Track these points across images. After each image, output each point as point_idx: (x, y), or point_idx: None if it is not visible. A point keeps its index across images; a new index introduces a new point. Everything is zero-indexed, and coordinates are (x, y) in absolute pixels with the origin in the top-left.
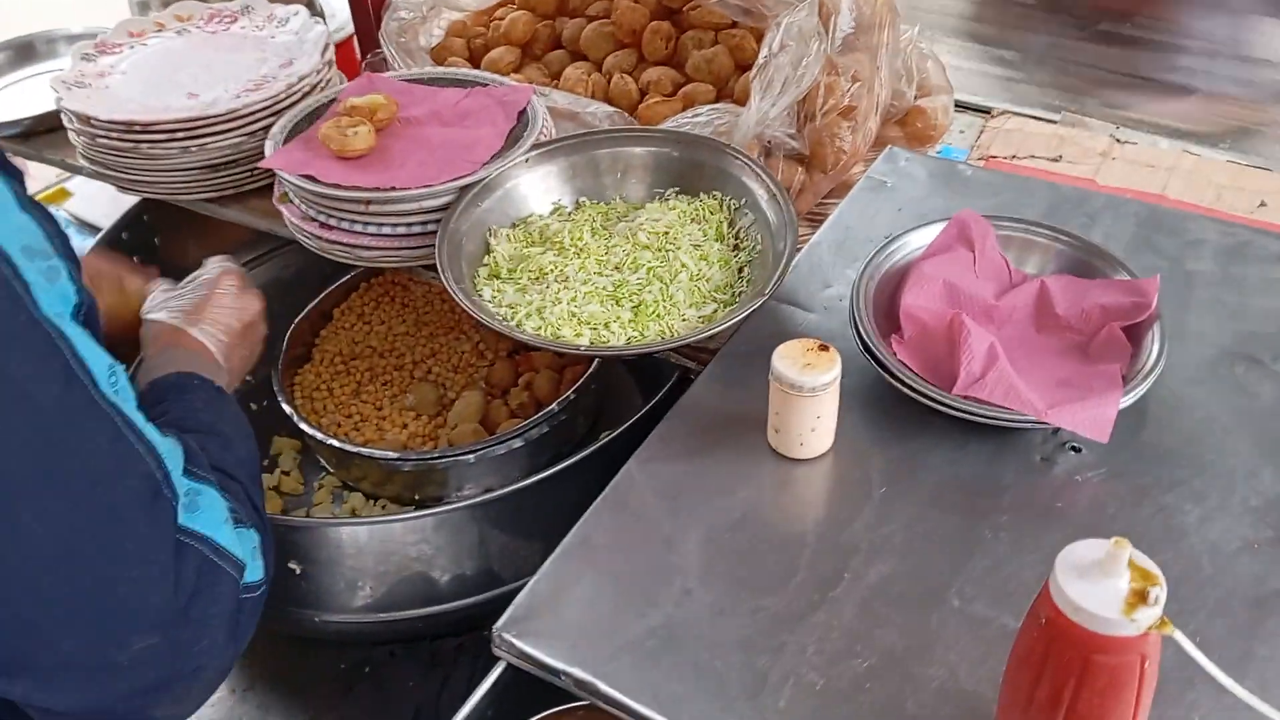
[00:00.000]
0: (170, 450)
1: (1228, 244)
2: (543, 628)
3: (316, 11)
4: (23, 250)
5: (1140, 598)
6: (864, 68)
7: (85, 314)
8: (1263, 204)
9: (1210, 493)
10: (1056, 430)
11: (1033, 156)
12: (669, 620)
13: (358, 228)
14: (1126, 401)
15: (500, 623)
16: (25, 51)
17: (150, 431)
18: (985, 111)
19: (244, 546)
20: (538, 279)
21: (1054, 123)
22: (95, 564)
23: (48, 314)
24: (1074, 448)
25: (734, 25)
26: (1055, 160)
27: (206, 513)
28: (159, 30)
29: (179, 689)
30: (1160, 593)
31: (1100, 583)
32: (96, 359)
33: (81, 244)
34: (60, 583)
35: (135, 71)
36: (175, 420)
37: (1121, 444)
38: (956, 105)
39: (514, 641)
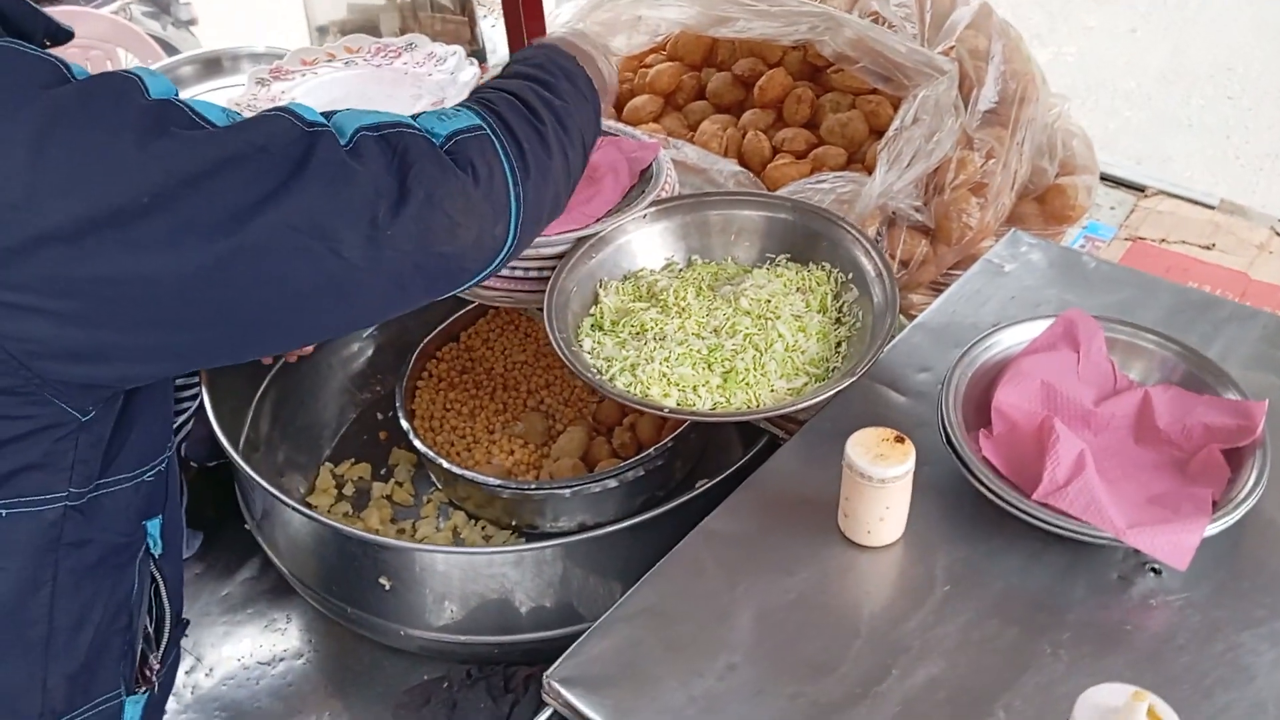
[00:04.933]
0: (299, 106)
1: None
2: (591, 681)
3: (478, 49)
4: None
5: None
6: (1002, 143)
7: None
8: None
9: None
10: (1138, 550)
11: (1184, 242)
12: (710, 693)
13: None
14: (1213, 530)
15: (552, 670)
16: (212, 66)
17: (274, 111)
18: (1139, 189)
19: (427, 118)
20: (637, 334)
21: (1211, 208)
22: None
23: (157, 97)
24: (1154, 569)
25: (874, 91)
26: (1208, 249)
27: (354, 116)
28: (329, 60)
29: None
30: None
31: None
32: (210, 109)
33: None
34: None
35: (304, 100)
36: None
37: (1205, 573)
38: (1108, 180)
39: (562, 691)
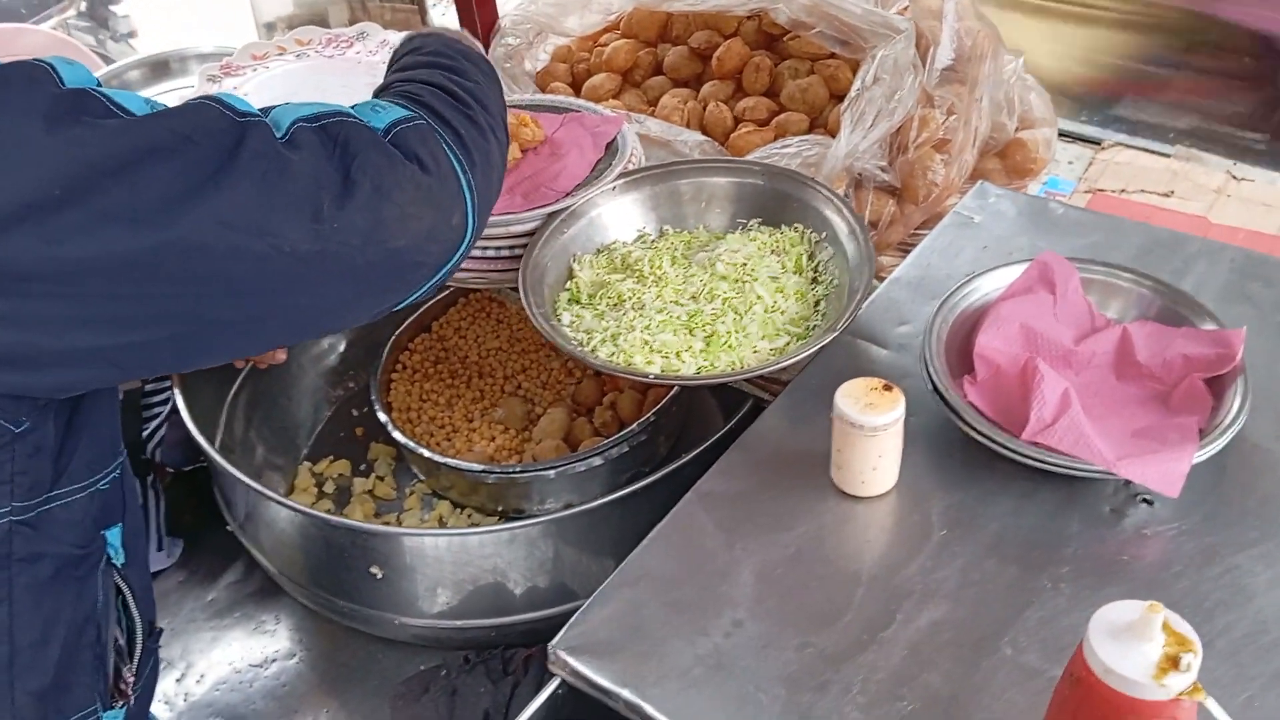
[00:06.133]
0: (227, 95)
1: None
2: (597, 648)
3: None
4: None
5: (1173, 663)
6: (962, 100)
7: None
8: None
9: None
10: (1129, 482)
11: (1143, 191)
12: (717, 650)
13: None
14: (1201, 456)
15: (556, 640)
16: (160, 69)
17: (199, 99)
18: (1095, 143)
19: (361, 108)
20: (616, 305)
21: (1167, 156)
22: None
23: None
24: (1146, 500)
25: (832, 56)
26: (1167, 195)
27: (290, 109)
28: (280, 54)
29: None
30: (1194, 659)
31: (1133, 646)
32: (130, 99)
33: None
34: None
35: (256, 94)
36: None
37: (1195, 500)
38: (1065, 135)
39: (568, 660)
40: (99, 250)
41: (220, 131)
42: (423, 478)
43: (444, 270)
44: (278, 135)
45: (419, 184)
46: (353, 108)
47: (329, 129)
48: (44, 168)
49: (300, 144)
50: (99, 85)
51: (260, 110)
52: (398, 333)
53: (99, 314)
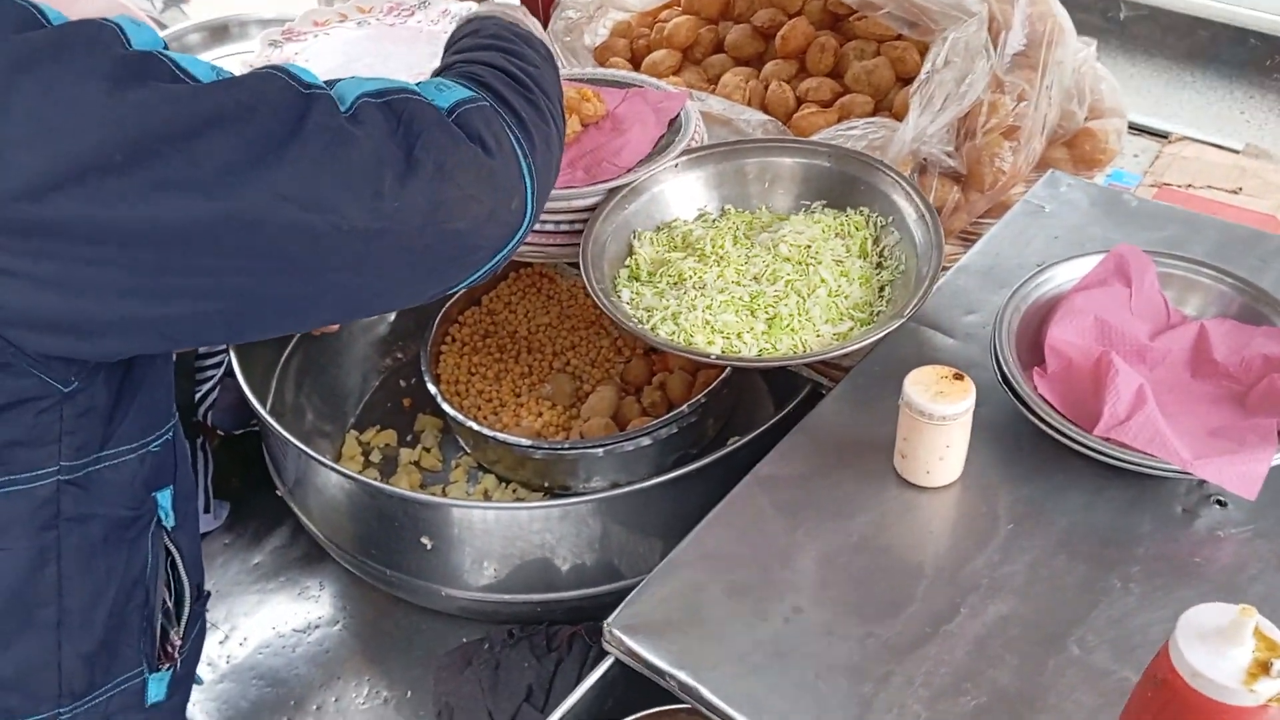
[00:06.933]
0: (294, 66)
1: None
2: (653, 628)
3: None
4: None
5: (1263, 668)
6: (1032, 86)
7: None
8: None
9: None
10: (1202, 482)
11: (1210, 187)
12: (777, 636)
13: None
14: None
15: (612, 618)
16: (219, 33)
17: (265, 69)
18: (1163, 136)
19: (425, 86)
20: (676, 284)
21: (1236, 152)
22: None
23: (140, 49)
24: (1220, 501)
25: (899, 38)
26: (1234, 193)
27: (355, 83)
28: (341, 21)
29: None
30: None
31: (1222, 650)
32: (196, 64)
33: None
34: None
35: (317, 60)
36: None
37: (1272, 502)
38: (1132, 128)
39: (624, 639)
40: (154, 217)
41: (285, 105)
42: (469, 451)
43: (501, 254)
44: (342, 109)
45: (481, 166)
46: (417, 85)
47: (394, 105)
48: (105, 129)
49: (364, 119)
50: (165, 48)
51: (325, 82)
52: (447, 306)
53: (149, 284)
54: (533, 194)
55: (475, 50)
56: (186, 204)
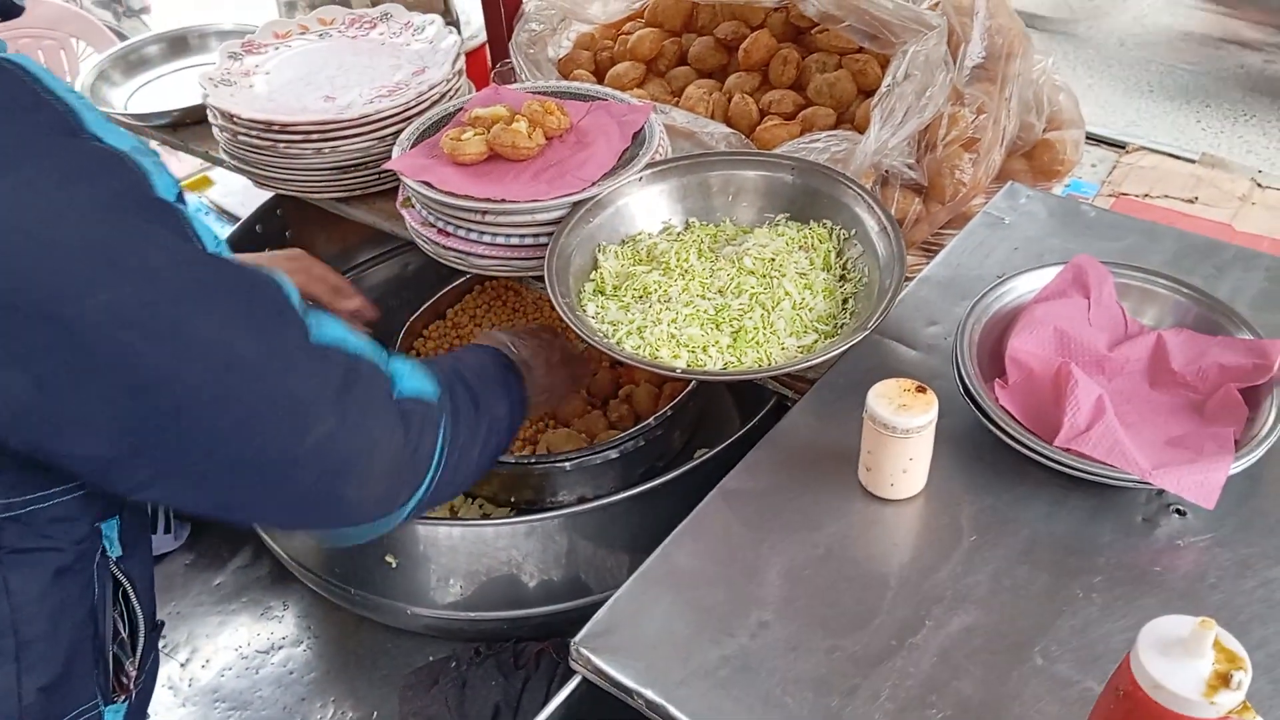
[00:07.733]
0: (286, 281)
1: None
2: (620, 646)
3: (452, 20)
4: (133, 149)
5: (1223, 680)
6: (991, 99)
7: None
8: None
9: None
10: (1161, 492)
11: (1167, 196)
12: (743, 650)
13: (473, 236)
14: (1238, 467)
15: (579, 637)
16: (179, 45)
17: (265, 270)
18: (1120, 146)
19: (399, 364)
20: (641, 298)
21: (1192, 162)
22: (257, 366)
23: (162, 195)
24: (1179, 511)
25: (860, 51)
26: (1191, 201)
27: (331, 326)
28: (302, 33)
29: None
30: (1244, 677)
31: (1183, 661)
32: (205, 231)
33: (220, 230)
34: (231, 386)
35: (278, 72)
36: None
37: (1229, 511)
38: (1090, 138)
39: (591, 657)
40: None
41: (275, 311)
42: None
43: (363, 530)
44: (309, 337)
45: (399, 455)
46: (392, 358)
47: (359, 368)
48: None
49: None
50: (182, 197)
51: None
52: (412, 319)
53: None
54: (421, 502)
55: (468, 366)
56: (128, 335)
